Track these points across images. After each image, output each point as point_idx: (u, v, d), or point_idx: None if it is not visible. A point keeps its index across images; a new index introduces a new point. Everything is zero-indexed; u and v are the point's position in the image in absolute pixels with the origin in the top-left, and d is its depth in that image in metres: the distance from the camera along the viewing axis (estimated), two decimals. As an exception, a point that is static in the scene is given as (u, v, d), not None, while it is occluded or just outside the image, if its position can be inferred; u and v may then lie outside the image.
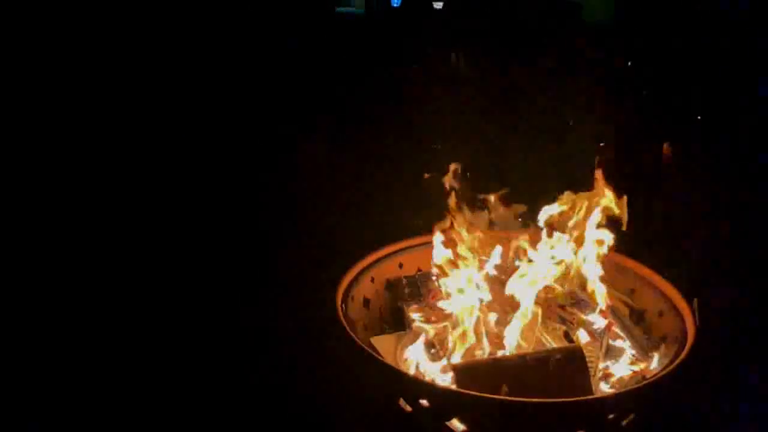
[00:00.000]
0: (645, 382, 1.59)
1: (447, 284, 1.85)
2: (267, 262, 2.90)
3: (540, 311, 1.77)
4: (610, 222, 1.88)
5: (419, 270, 2.09)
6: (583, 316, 1.86)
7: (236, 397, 2.11)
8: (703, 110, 4.56)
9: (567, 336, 1.80)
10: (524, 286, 1.80)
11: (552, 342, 1.77)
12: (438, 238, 1.91)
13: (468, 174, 1.96)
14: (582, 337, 1.81)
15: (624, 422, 1.55)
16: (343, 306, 1.80)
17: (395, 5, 7.95)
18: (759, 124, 4.45)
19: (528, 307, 1.76)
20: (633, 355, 1.82)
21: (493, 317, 1.81)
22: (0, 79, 3.77)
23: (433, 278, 1.98)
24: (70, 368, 2.22)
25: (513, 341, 1.74)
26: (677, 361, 1.59)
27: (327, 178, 3.93)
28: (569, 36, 5.54)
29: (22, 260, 2.83)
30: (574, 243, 1.89)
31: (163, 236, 3.10)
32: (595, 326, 1.83)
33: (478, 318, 1.78)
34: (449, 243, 1.91)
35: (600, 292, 1.85)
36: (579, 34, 5.69)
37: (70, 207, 3.30)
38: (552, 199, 1.94)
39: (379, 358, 1.63)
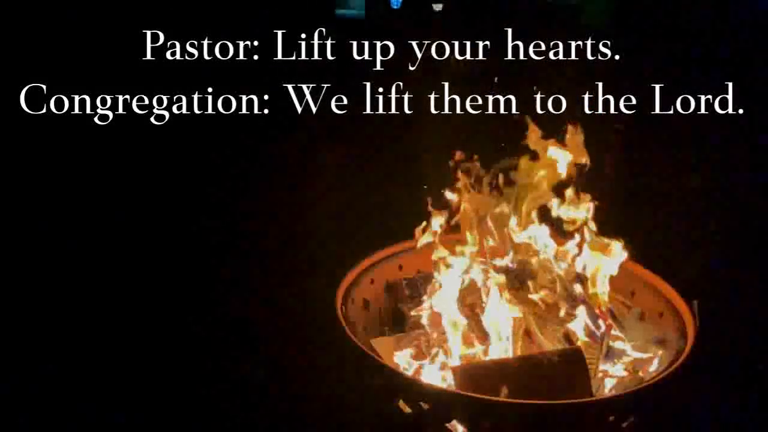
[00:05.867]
0: (645, 384, 1.58)
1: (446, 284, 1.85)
2: (267, 264, 2.90)
3: (532, 311, 1.77)
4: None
5: (419, 271, 2.09)
6: (584, 318, 1.85)
7: (236, 398, 2.11)
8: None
9: (567, 337, 1.79)
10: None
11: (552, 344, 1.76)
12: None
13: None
14: (582, 338, 1.80)
15: (624, 424, 1.54)
16: (343, 307, 1.80)
17: (395, 7, 7.97)
18: (757, 123, 4.45)
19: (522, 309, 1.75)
20: (633, 357, 1.82)
21: (491, 318, 1.80)
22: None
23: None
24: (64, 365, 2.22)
25: (511, 342, 1.74)
26: (677, 363, 1.59)
27: (327, 179, 3.93)
28: (567, 38, 5.55)
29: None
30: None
31: (162, 236, 3.11)
32: (595, 328, 1.83)
33: (478, 319, 1.77)
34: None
35: (600, 294, 1.85)
36: (577, 36, 5.70)
37: (61, 204, 3.31)
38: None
39: (379, 359, 1.63)
